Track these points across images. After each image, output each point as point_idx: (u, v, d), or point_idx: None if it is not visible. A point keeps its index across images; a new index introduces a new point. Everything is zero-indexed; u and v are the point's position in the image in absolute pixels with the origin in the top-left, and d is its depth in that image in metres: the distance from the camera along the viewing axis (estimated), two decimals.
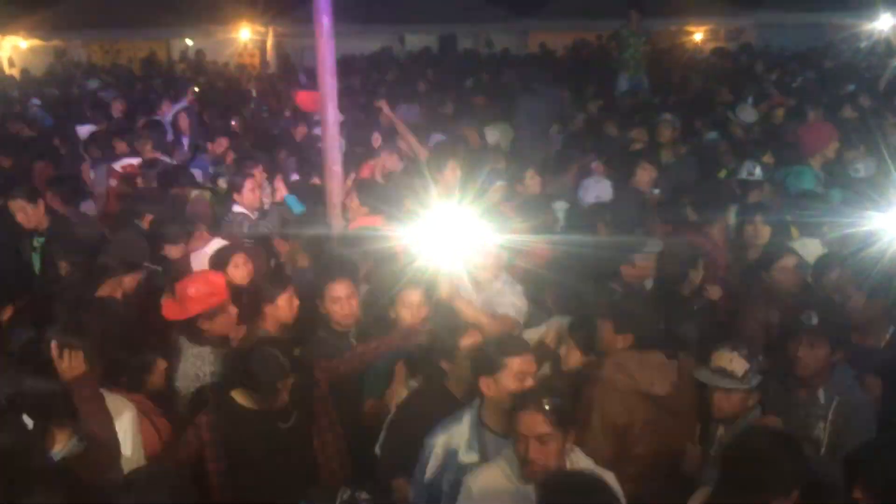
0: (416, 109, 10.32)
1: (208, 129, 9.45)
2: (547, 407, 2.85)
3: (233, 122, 9.87)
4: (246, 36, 18.07)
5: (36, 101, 11.87)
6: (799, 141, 7.11)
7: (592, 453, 3.17)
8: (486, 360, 3.23)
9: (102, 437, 3.19)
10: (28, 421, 2.84)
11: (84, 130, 9.13)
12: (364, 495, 2.89)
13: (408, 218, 4.72)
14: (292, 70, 16.11)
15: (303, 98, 8.79)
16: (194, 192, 6.07)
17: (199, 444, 3.49)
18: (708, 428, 3.59)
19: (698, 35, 19.61)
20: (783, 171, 6.76)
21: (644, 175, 6.39)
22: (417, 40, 19.12)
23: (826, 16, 17.77)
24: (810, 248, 4.98)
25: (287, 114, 10.67)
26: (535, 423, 2.84)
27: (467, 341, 3.52)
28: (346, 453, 3.73)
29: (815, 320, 3.81)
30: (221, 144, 8.21)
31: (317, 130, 7.32)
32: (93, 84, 13.94)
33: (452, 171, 5.73)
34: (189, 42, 18.98)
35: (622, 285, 4.47)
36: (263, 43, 18.56)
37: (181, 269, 4.76)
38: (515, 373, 3.15)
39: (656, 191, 6.55)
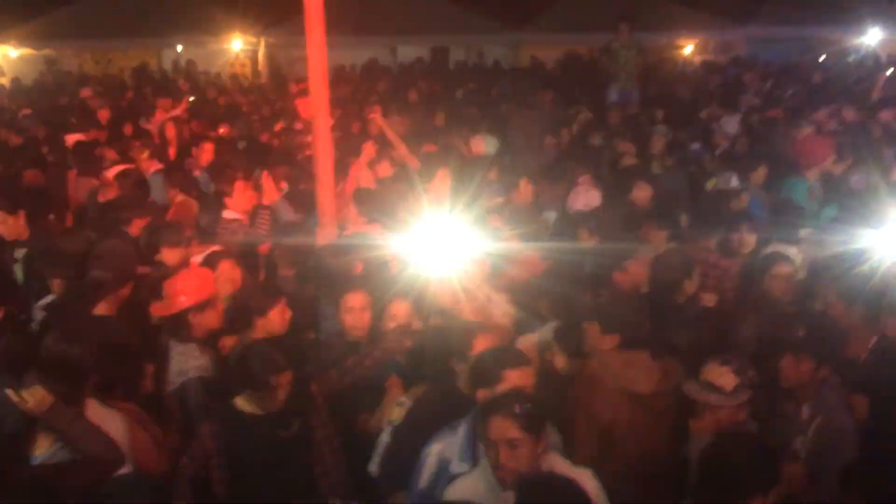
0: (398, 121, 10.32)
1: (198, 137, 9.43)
2: (517, 411, 2.83)
3: (220, 130, 9.84)
4: (238, 46, 18.07)
5: (26, 113, 11.80)
6: (796, 153, 7.15)
7: (578, 452, 3.19)
8: (485, 372, 3.23)
9: (99, 450, 3.19)
10: None
11: (73, 139, 9.10)
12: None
13: (403, 227, 4.73)
14: (283, 80, 16.11)
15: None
16: (179, 198, 6.05)
17: (205, 455, 3.50)
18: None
19: (688, 48, 19.75)
20: (777, 183, 6.81)
21: (640, 193, 6.42)
22: (409, 52, 19.18)
23: (815, 30, 17.93)
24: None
25: (281, 124, 10.64)
26: (505, 428, 2.83)
27: (481, 342, 3.51)
28: (344, 466, 3.71)
29: (800, 333, 3.78)
30: (206, 151, 8.16)
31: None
32: (85, 93, 13.90)
33: (443, 181, 5.75)
34: (179, 48, 18.93)
35: (612, 291, 4.48)
36: (255, 53, 18.56)
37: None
38: (513, 386, 3.14)
39: None
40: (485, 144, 8.51)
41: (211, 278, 4.30)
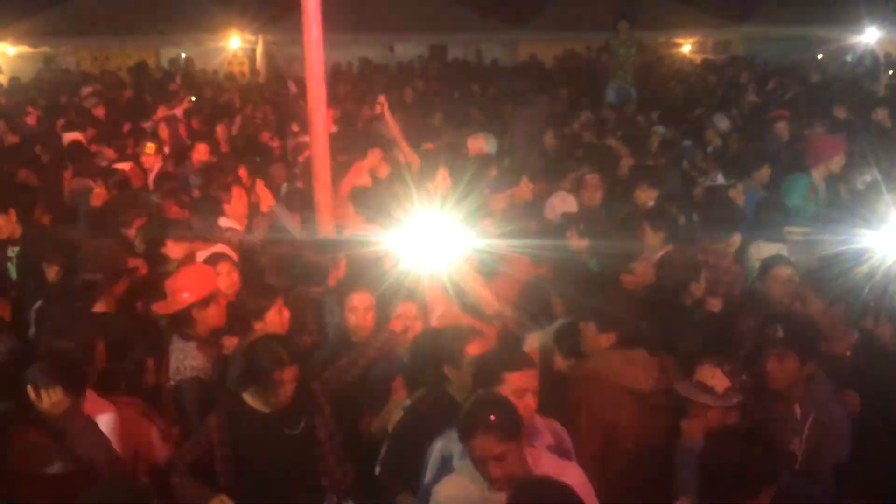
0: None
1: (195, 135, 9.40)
2: (493, 421, 2.80)
3: (217, 130, 9.80)
4: (235, 45, 18.04)
5: (28, 111, 11.74)
6: (804, 151, 7.14)
7: (580, 451, 3.20)
8: (487, 373, 3.22)
9: (102, 459, 3.19)
10: None
11: (70, 137, 9.08)
12: (350, 502, 2.87)
13: (399, 226, 4.71)
14: (281, 79, 16.09)
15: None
16: (174, 209, 6.05)
17: (210, 446, 3.49)
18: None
19: (686, 47, 19.76)
20: (777, 181, 6.82)
21: (643, 196, 6.40)
22: (408, 50, 19.16)
23: (813, 29, 17.94)
24: (766, 253, 5.01)
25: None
26: (488, 445, 2.80)
27: (473, 348, 3.50)
28: (346, 466, 3.70)
29: (780, 333, 3.74)
30: (202, 152, 8.07)
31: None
32: (86, 90, 13.86)
33: (443, 179, 5.74)
34: (177, 46, 18.91)
35: (616, 292, 4.47)
36: (253, 52, 18.54)
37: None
38: (514, 388, 3.13)
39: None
40: (484, 143, 8.50)
41: (213, 274, 4.30)
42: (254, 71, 18.14)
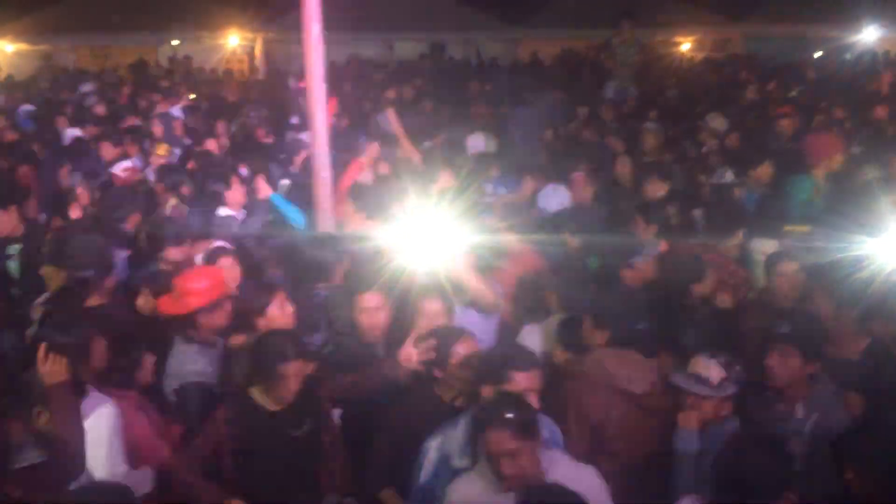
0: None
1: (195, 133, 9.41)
2: (509, 418, 2.80)
3: (218, 126, 9.79)
4: (235, 42, 18.04)
5: (27, 108, 11.73)
6: (805, 150, 7.12)
7: (569, 447, 3.19)
8: (492, 370, 3.21)
9: (72, 447, 3.16)
10: None
11: (70, 134, 9.07)
12: (349, 500, 2.87)
13: (400, 222, 4.70)
14: (281, 76, 16.08)
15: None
16: (172, 200, 6.03)
17: (217, 439, 3.48)
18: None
19: (686, 45, 19.76)
20: (782, 180, 6.80)
21: (652, 189, 6.35)
22: (408, 48, 19.15)
23: (812, 28, 17.96)
24: (769, 250, 5.01)
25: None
26: (502, 440, 2.81)
27: (461, 349, 3.49)
28: (347, 468, 3.68)
29: (785, 329, 3.69)
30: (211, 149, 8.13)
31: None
32: (87, 88, 13.84)
33: (445, 177, 5.75)
34: (176, 44, 18.88)
35: (618, 287, 4.46)
36: (252, 49, 18.54)
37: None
38: (520, 387, 3.12)
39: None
40: (484, 142, 8.50)
41: (222, 278, 4.23)
42: (253, 68, 18.15)
